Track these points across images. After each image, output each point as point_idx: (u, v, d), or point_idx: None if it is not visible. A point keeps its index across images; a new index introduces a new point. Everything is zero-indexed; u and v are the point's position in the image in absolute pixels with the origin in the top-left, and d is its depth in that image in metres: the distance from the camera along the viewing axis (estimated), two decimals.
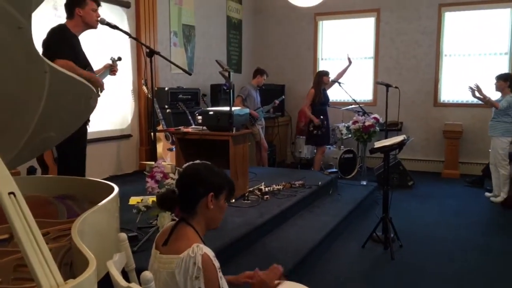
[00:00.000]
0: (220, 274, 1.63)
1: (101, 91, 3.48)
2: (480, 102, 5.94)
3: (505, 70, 6.79)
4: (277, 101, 6.86)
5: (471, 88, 5.64)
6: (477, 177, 6.56)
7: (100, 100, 2.42)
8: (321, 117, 6.35)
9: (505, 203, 5.47)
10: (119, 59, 3.84)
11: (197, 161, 1.84)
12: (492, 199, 5.70)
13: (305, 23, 8.39)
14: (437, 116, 7.56)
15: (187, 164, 1.84)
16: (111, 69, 3.73)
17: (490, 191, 5.87)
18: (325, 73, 6.38)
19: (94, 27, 3.54)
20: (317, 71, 7.20)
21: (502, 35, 7.11)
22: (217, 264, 1.63)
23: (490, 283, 3.39)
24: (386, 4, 7.74)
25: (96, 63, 3.80)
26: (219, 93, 6.94)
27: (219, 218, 1.81)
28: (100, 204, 1.90)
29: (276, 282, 1.88)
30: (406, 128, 7.59)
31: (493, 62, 7.14)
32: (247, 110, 4.91)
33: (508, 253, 3.99)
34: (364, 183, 5.96)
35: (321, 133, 6.39)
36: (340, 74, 6.62)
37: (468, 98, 7.12)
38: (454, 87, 7.47)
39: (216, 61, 4.43)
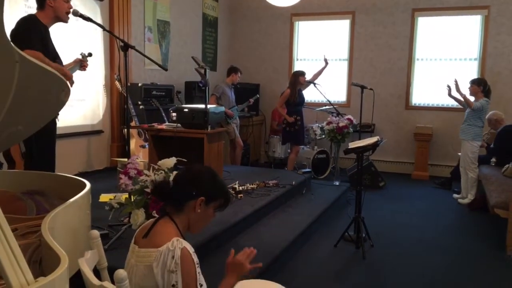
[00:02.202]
0: (198, 269, 1.62)
1: (71, 85, 3.39)
2: (450, 105, 6.05)
3: (474, 75, 6.98)
4: (251, 100, 6.86)
5: (448, 86, 5.73)
6: (446, 179, 6.71)
7: (71, 94, 2.35)
8: (296, 117, 6.34)
9: (471, 204, 5.61)
10: (90, 55, 3.78)
11: (204, 165, 1.86)
12: (460, 200, 5.84)
13: (281, 23, 8.41)
14: (409, 119, 7.71)
15: (194, 164, 1.86)
16: (81, 64, 3.66)
17: (458, 192, 6.02)
18: (301, 73, 6.35)
19: (65, 20, 3.43)
20: (293, 71, 7.20)
21: (472, 41, 7.30)
22: (196, 259, 1.62)
23: (456, 283, 3.47)
24: (362, 7, 7.84)
25: (67, 56, 3.71)
26: (194, 91, 6.87)
27: (202, 225, 1.80)
28: (71, 200, 1.85)
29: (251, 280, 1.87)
30: (378, 130, 7.70)
31: (463, 67, 7.32)
32: (222, 108, 4.89)
33: (474, 253, 4.09)
34: (337, 183, 6.01)
35: (294, 130, 6.39)
36: (316, 75, 6.60)
37: (439, 101, 7.34)
38: (425, 91, 7.63)
39: (192, 57, 4.38)
